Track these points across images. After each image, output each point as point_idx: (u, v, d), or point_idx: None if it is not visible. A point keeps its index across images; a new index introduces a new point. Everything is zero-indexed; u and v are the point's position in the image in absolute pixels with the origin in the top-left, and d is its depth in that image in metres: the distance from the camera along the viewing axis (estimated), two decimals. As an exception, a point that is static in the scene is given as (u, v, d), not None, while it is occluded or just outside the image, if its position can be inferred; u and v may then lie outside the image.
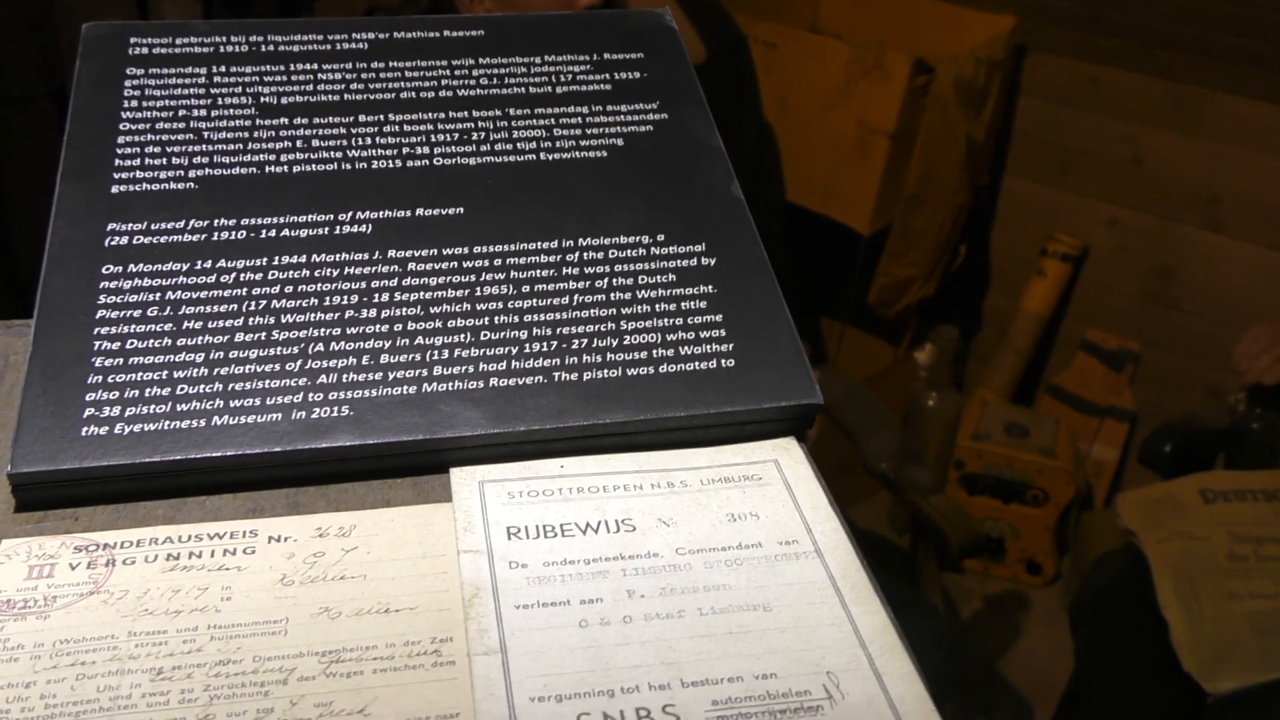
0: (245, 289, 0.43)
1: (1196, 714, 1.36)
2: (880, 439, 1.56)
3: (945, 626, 1.48)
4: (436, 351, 0.42)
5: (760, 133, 1.71)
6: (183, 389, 0.39)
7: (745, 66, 1.64)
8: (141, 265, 0.43)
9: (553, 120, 0.50)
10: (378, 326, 0.42)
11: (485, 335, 0.42)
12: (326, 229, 0.45)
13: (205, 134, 0.47)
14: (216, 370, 0.40)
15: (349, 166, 0.47)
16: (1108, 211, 2.08)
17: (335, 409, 0.40)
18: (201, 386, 0.39)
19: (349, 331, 0.42)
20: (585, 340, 0.43)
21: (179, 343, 0.41)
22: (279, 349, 0.41)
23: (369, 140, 0.48)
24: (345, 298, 0.43)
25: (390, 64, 0.51)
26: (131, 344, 0.40)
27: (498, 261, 0.45)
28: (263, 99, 0.49)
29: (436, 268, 0.44)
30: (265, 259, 0.44)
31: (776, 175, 1.83)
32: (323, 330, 0.42)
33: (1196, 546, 1.42)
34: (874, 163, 1.86)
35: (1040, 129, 2.09)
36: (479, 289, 0.44)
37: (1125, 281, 2.10)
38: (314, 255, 0.44)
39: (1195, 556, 1.41)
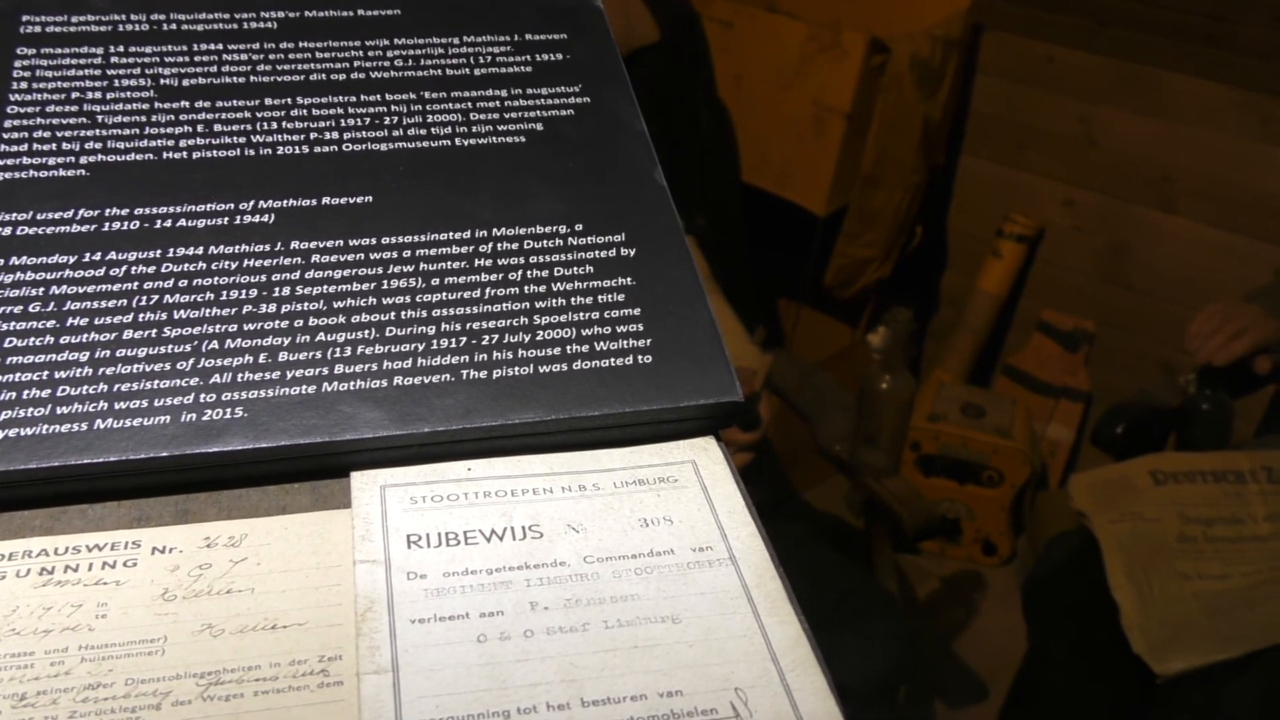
0: (136, 283, 0.40)
1: (1147, 694, 1.37)
2: (835, 422, 1.55)
3: (899, 611, 1.48)
4: (339, 349, 0.40)
5: (715, 113, 1.69)
6: (64, 390, 0.37)
7: (699, 45, 1.62)
8: (25, 258, 0.40)
9: (469, 104, 0.48)
10: (277, 322, 0.40)
11: (391, 331, 0.40)
12: (226, 219, 0.43)
13: (99, 118, 0.45)
14: (102, 370, 0.38)
15: (252, 153, 0.45)
16: (1063, 191, 2.08)
17: (228, 410, 0.37)
18: (85, 388, 0.37)
19: (246, 328, 0.40)
20: (496, 336, 0.41)
21: (62, 340, 0.38)
22: (170, 347, 0.39)
23: (274, 125, 0.46)
24: (243, 292, 0.41)
25: (300, 44, 0.49)
26: (10, 342, 0.38)
27: (407, 253, 0.43)
28: (162, 81, 0.47)
29: (342, 259, 0.42)
30: (159, 251, 0.41)
31: (732, 156, 1.81)
32: (218, 327, 0.39)
33: (1147, 528, 1.43)
34: (830, 143, 1.85)
35: (997, 108, 2.09)
36: (386, 282, 0.42)
37: (1081, 262, 2.11)
38: (212, 247, 0.42)
39: (1146, 538, 1.41)
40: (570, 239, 0.44)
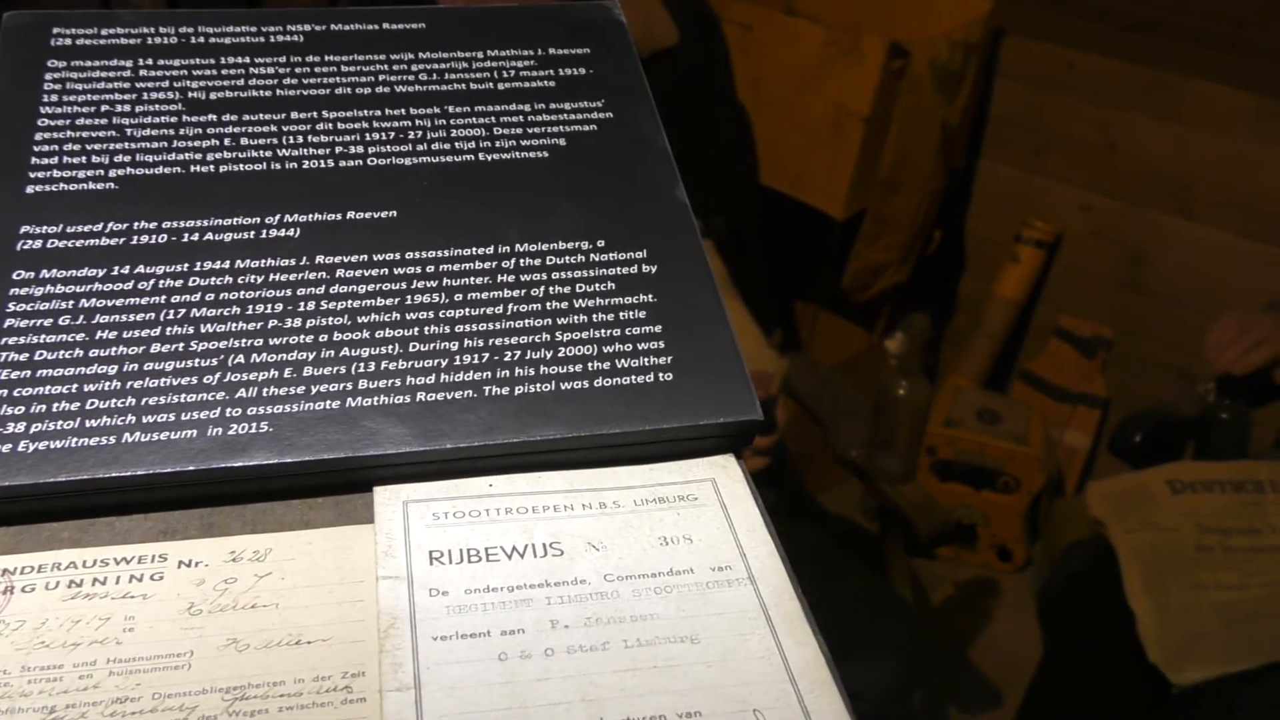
0: (164, 296, 0.41)
1: (1162, 704, 1.37)
2: (850, 426, 1.55)
3: (913, 616, 1.48)
4: (363, 364, 0.40)
5: (734, 116, 1.70)
6: (93, 403, 0.38)
7: (718, 48, 1.62)
8: (55, 271, 0.41)
9: (493, 119, 0.49)
10: (302, 337, 0.40)
11: (414, 347, 0.41)
12: (252, 233, 0.43)
13: (128, 131, 0.45)
14: (130, 384, 0.38)
15: (278, 166, 0.46)
16: (1082, 197, 2.07)
17: (254, 425, 0.38)
18: (113, 401, 0.38)
19: (271, 342, 0.40)
20: (519, 352, 0.41)
21: (91, 354, 0.39)
22: (197, 360, 0.39)
23: (300, 139, 0.46)
24: (269, 306, 0.41)
25: (326, 58, 0.50)
26: (40, 355, 0.38)
27: (430, 268, 0.43)
28: (190, 94, 0.47)
29: (366, 274, 0.43)
30: (186, 265, 0.42)
31: (750, 158, 1.81)
32: (244, 341, 0.40)
33: (1164, 538, 1.42)
34: (848, 146, 1.84)
35: (1016, 113, 2.08)
36: (410, 297, 0.42)
37: (1099, 267, 2.10)
38: (238, 261, 0.42)
39: (1162, 548, 1.41)
40: (592, 255, 0.44)
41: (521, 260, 0.44)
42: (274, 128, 0.47)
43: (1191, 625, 1.33)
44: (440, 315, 0.42)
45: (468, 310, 0.42)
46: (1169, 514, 1.44)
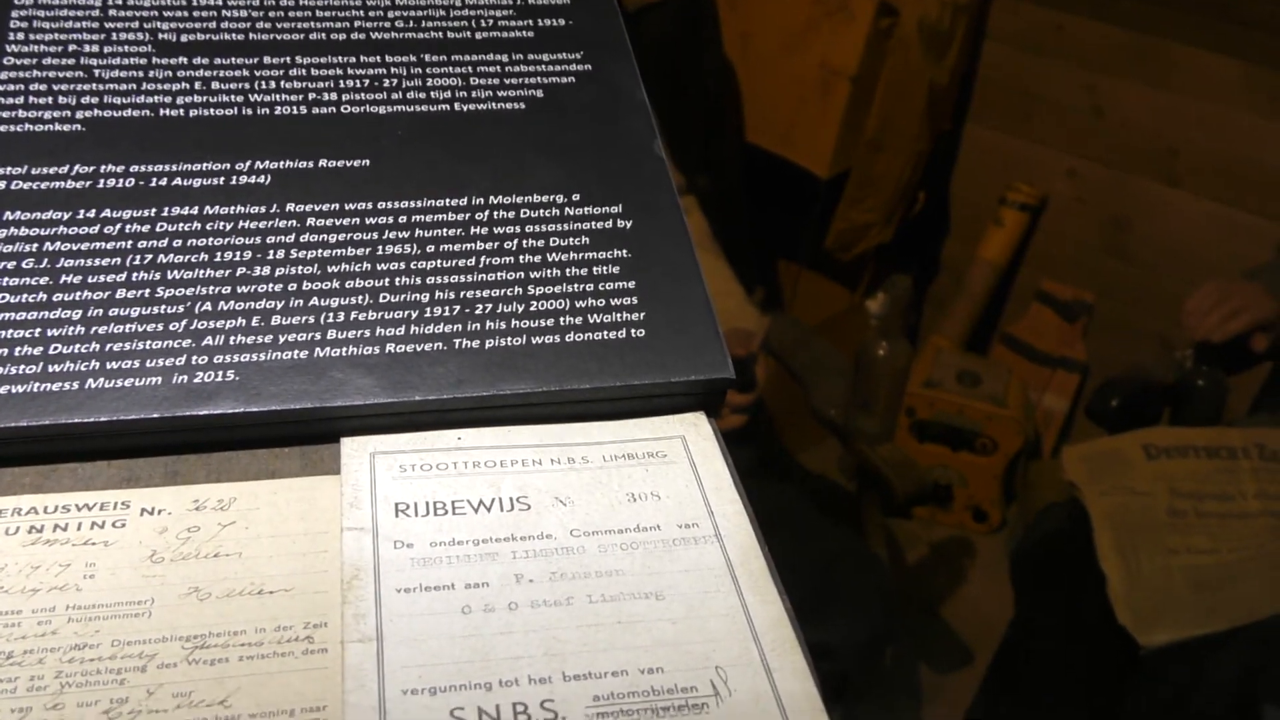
0: (130, 242, 0.40)
1: (1130, 666, 1.39)
2: (830, 386, 1.55)
3: (888, 574, 1.49)
4: (332, 314, 0.39)
5: (720, 71, 1.68)
6: (56, 348, 0.37)
7: (706, 4, 1.60)
8: (18, 213, 0.40)
9: (470, 68, 0.48)
10: (271, 286, 0.40)
11: (385, 298, 0.40)
12: (222, 179, 0.42)
13: (96, 72, 0.44)
14: (94, 329, 0.38)
15: (250, 112, 0.45)
16: (1067, 162, 2.07)
17: (220, 373, 0.37)
18: (77, 346, 0.37)
19: (240, 290, 0.40)
20: (490, 305, 0.41)
21: (54, 298, 0.38)
22: (163, 307, 0.39)
23: (273, 84, 0.46)
24: (238, 254, 0.41)
25: (300, 2, 0.49)
26: (2, 299, 0.38)
27: (403, 219, 0.42)
28: (160, 36, 0.46)
29: (338, 224, 0.42)
30: (154, 210, 0.41)
31: (736, 115, 1.80)
32: (211, 288, 0.39)
33: (1137, 501, 1.43)
34: (835, 105, 1.83)
35: (1004, 76, 2.07)
36: (381, 248, 0.42)
37: (1082, 233, 2.10)
38: (207, 207, 0.42)
39: (1135, 511, 1.42)
40: (568, 209, 0.44)
41: (495, 213, 0.43)
42: (246, 72, 0.46)
43: (1161, 588, 1.34)
44: (411, 266, 0.41)
45: (439, 262, 0.41)
46: (1143, 478, 1.45)
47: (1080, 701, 1.49)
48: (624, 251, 0.43)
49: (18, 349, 0.37)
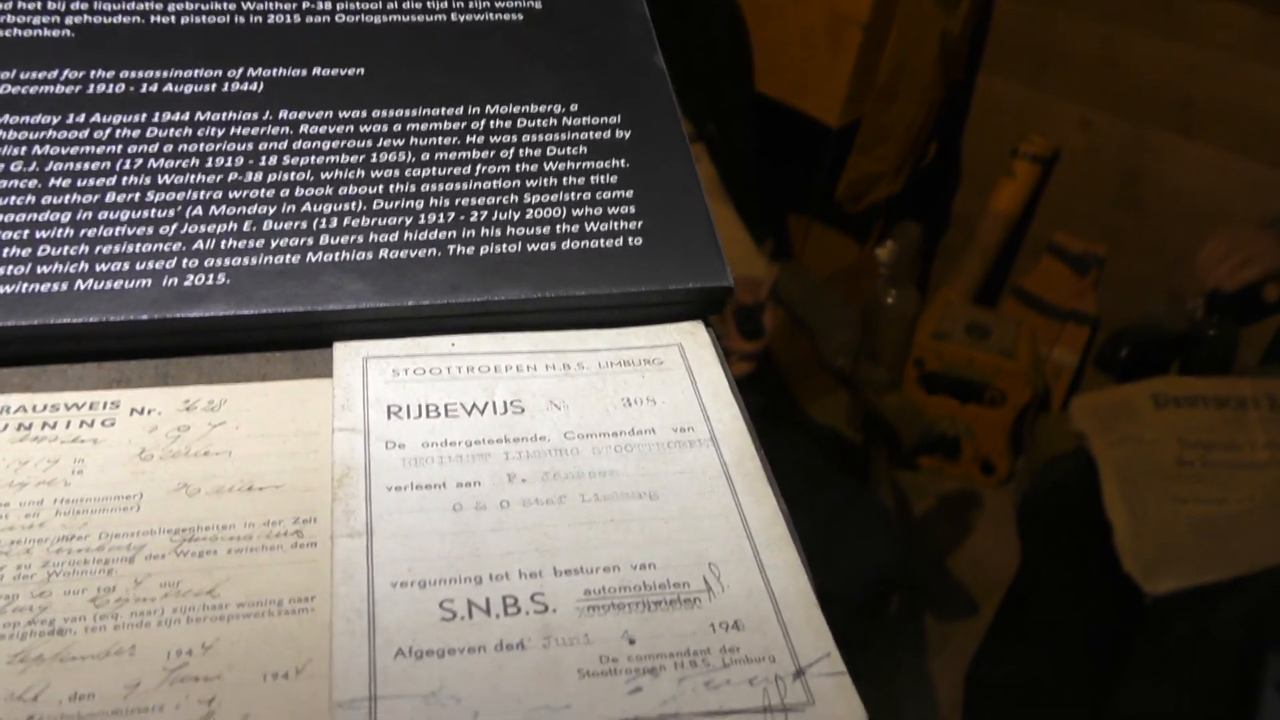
0: (120, 146, 0.40)
1: (1135, 615, 1.39)
2: (839, 335, 1.55)
3: (894, 524, 1.49)
4: (325, 220, 0.39)
5: (729, 18, 1.66)
6: (45, 250, 0.37)
7: (715, -53, 1.58)
8: (7, 116, 0.40)
9: (466, -23, 0.47)
10: (263, 191, 0.39)
11: (378, 204, 0.40)
12: (214, 86, 0.42)
13: (86, -22, 0.44)
14: (83, 231, 0.37)
15: (242, 20, 0.44)
16: (1081, 113, 2.04)
17: (211, 276, 0.37)
18: (66, 248, 0.37)
19: (231, 195, 0.39)
20: (485, 213, 0.40)
21: (43, 201, 0.38)
22: (153, 211, 0.38)
23: (266, -8, 0.45)
24: (229, 160, 0.40)
25: (294, -90, 0.48)
26: (-9, 200, 0.37)
27: (397, 127, 0.42)
28: (152, -57, 0.45)
29: (331, 131, 0.41)
30: (144, 115, 0.41)
31: (745, 63, 1.78)
32: (203, 193, 0.39)
33: (1145, 451, 1.43)
34: (846, 53, 1.81)
35: (1019, 25, 2.04)
36: (375, 155, 0.41)
37: (1095, 185, 2.08)
38: (198, 113, 0.41)
39: (1143, 460, 1.42)
40: (565, 119, 0.43)
41: (491, 122, 0.43)
42: (238, -20, 0.45)
43: (1167, 537, 1.34)
44: (406, 174, 0.41)
45: (434, 170, 0.41)
46: (1151, 428, 1.44)
47: (1085, 650, 1.49)
48: (622, 161, 0.42)
49: (6, 250, 0.37)
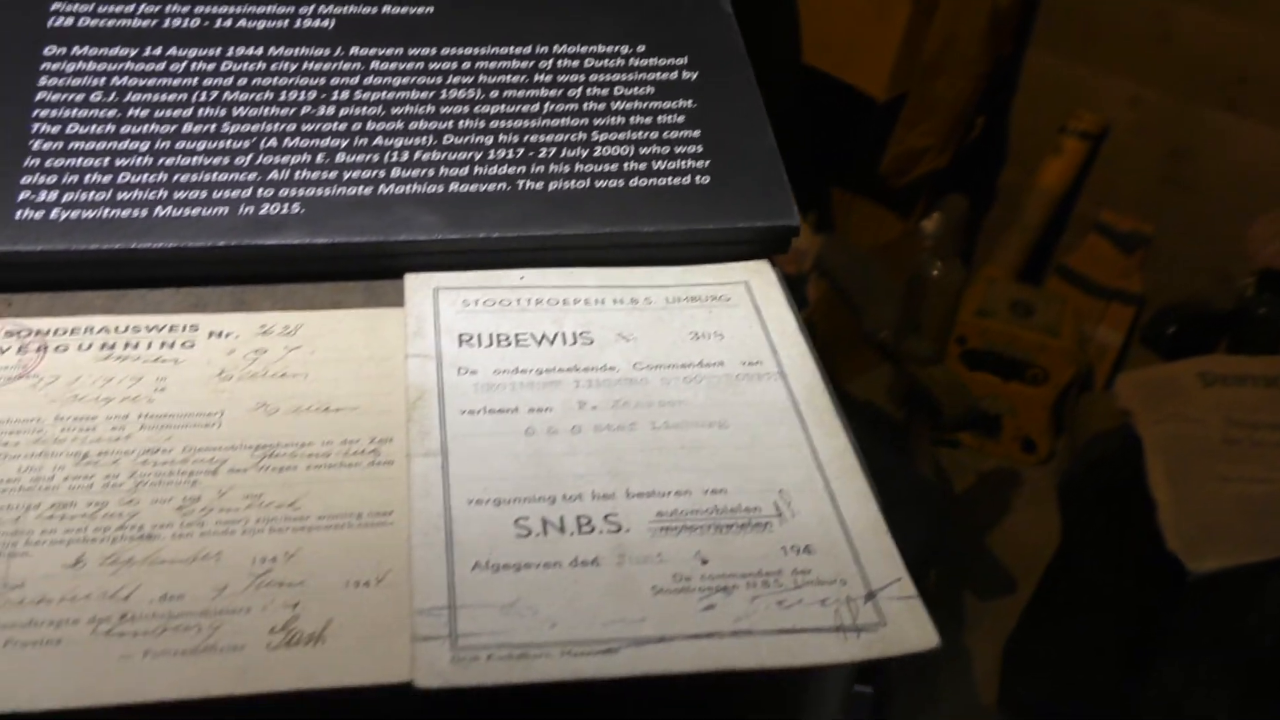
0: (196, 79, 0.40)
1: (1176, 592, 1.38)
2: (881, 307, 1.54)
3: (936, 498, 1.48)
4: (396, 153, 0.39)
5: (777, -12, 1.65)
6: (125, 177, 0.37)
7: (765, -85, 1.57)
8: (86, 48, 0.40)
9: (534, -80, 0.47)
10: (335, 125, 0.40)
11: (448, 139, 0.40)
12: (286, 21, 0.42)
13: (161, -84, 0.44)
14: (161, 160, 0.38)
15: (314, -42, 0.44)
16: (1132, 89, 2.01)
17: (286, 206, 0.38)
18: (145, 176, 0.37)
19: (304, 128, 0.40)
20: (554, 149, 0.40)
21: (123, 130, 0.38)
22: (229, 142, 0.39)
23: (336, -69, 0.45)
24: (302, 94, 0.40)
25: None
26: (72, 128, 0.38)
27: (466, 65, 0.42)
28: (225, -118, 0.46)
29: (401, 68, 0.42)
30: (219, 49, 0.41)
31: (792, 33, 1.77)
32: (276, 126, 0.39)
33: (1192, 429, 1.41)
34: (894, 24, 1.79)
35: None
36: (444, 92, 0.41)
37: (1144, 162, 2.05)
38: (271, 48, 0.41)
39: (1189, 438, 1.40)
40: (632, 60, 0.43)
41: (559, 61, 0.43)
42: (310, -80, 0.45)
43: (1212, 515, 1.33)
44: (475, 110, 0.41)
45: (503, 107, 0.41)
46: (1198, 406, 1.42)
47: (1123, 627, 1.49)
48: (689, 102, 0.42)
49: (87, 176, 0.37)
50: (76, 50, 0.40)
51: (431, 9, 0.44)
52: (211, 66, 0.40)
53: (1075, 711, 1.55)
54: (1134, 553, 1.44)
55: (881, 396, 1.96)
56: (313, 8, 0.43)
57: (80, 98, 0.39)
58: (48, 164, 0.37)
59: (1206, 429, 1.42)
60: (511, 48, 0.43)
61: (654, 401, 0.34)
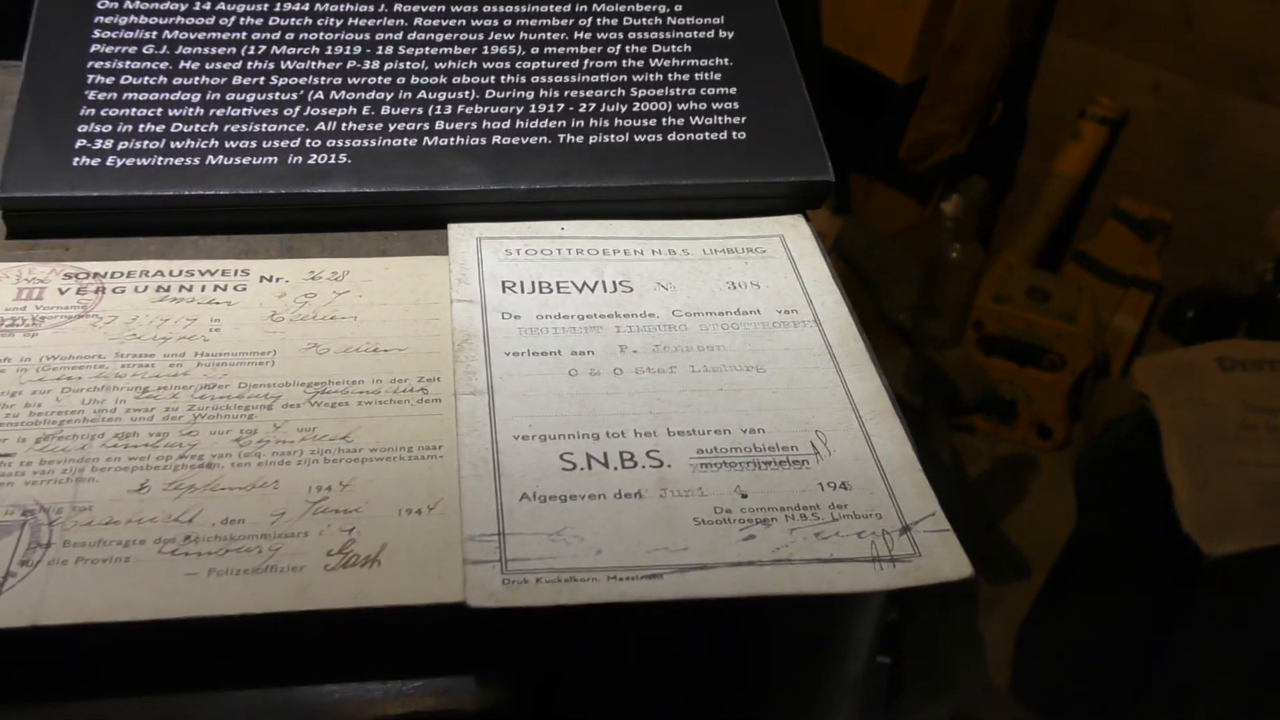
0: (244, 33, 0.41)
1: (1191, 577, 1.38)
2: (899, 290, 1.54)
3: (952, 481, 1.49)
4: (439, 106, 0.40)
5: (799, -31, 1.65)
6: (177, 127, 0.38)
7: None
8: (138, 3, 0.41)
9: (573, -117, 0.48)
10: (380, 79, 0.41)
11: (490, 94, 0.41)
12: (331, -21, 0.43)
13: (209, -124, 0.45)
14: (212, 111, 0.39)
15: (357, -83, 0.45)
16: (1153, 75, 2.01)
17: (333, 156, 0.39)
18: (196, 126, 0.38)
19: (350, 81, 0.40)
20: (593, 104, 0.41)
21: (174, 81, 0.39)
22: (277, 94, 0.40)
23: (379, -107, 0.46)
24: (348, 48, 0.41)
25: None
26: (126, 80, 0.39)
27: (507, 22, 0.43)
28: None
29: (444, 24, 0.43)
30: (266, 5, 0.42)
31: (813, 16, 1.77)
32: (323, 79, 0.40)
33: (1209, 413, 1.42)
34: (915, 8, 1.79)
35: (1090, -16, 2.01)
36: (486, 48, 0.42)
37: (1164, 149, 2.05)
38: (318, 4, 0.42)
39: (1207, 423, 1.40)
40: (669, 18, 0.44)
41: (598, 19, 0.44)
42: (353, -119, 0.46)
43: (1229, 499, 1.33)
44: (516, 66, 0.42)
45: (544, 63, 0.42)
46: (1216, 390, 1.43)
47: (1139, 613, 1.49)
48: (725, 60, 0.43)
49: (141, 125, 0.38)
50: (128, 4, 0.41)
51: (472, -31, 0.44)
52: (259, 21, 0.41)
53: (1089, 696, 1.56)
54: (1149, 537, 1.44)
55: (898, 380, 1.96)
56: (357, -34, 0.44)
57: (133, 50, 0.40)
58: (103, 113, 0.38)
59: (1224, 414, 1.42)
60: (551, 5, 0.44)
61: (693, 346, 0.35)
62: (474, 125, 0.40)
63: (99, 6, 0.41)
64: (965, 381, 1.42)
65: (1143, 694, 1.47)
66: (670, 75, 0.42)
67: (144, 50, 0.40)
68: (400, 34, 0.42)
